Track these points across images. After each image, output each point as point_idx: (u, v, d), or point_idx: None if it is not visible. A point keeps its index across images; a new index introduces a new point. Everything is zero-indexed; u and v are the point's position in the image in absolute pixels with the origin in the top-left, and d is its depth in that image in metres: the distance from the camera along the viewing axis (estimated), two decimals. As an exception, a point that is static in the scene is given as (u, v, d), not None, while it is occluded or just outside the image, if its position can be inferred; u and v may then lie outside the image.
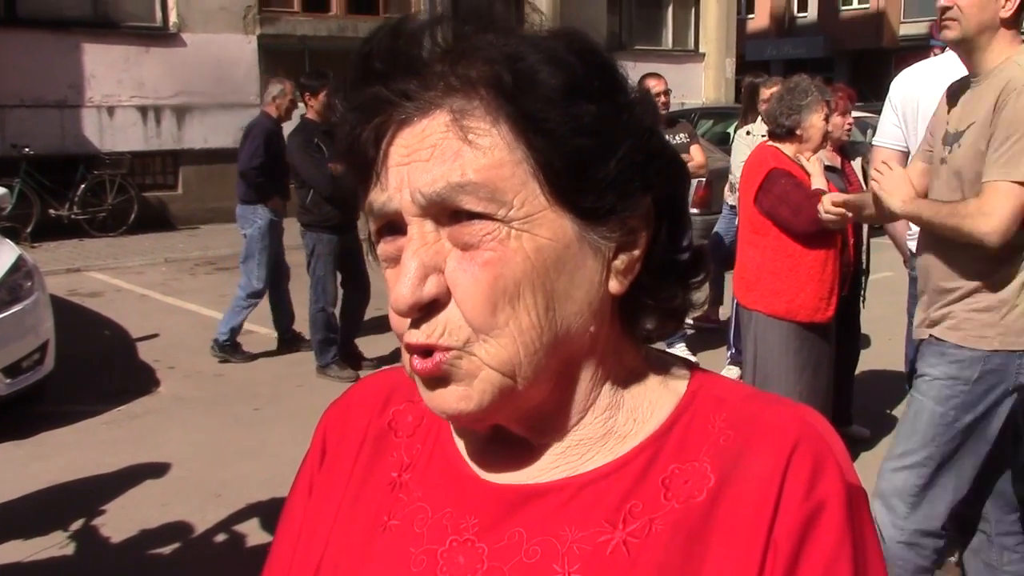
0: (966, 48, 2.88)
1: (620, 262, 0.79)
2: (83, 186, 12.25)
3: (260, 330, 8.01)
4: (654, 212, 0.80)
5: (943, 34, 2.90)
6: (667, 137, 7.37)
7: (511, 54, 0.74)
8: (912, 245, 3.78)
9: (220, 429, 5.72)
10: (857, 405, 5.52)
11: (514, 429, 0.82)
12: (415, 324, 0.75)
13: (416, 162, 0.73)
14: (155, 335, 7.79)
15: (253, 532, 4.31)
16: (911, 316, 3.84)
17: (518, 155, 0.73)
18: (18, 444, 5.40)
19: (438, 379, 0.76)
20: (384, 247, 0.78)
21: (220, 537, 4.32)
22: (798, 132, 4.24)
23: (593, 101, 0.75)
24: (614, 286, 0.79)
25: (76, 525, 4.39)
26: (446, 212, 0.73)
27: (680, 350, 6.92)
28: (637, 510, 0.78)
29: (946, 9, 2.85)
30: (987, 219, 2.73)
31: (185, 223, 13.46)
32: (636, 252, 0.79)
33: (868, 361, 6.22)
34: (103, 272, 10.50)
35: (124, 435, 5.60)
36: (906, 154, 3.75)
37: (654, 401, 0.84)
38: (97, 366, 6.91)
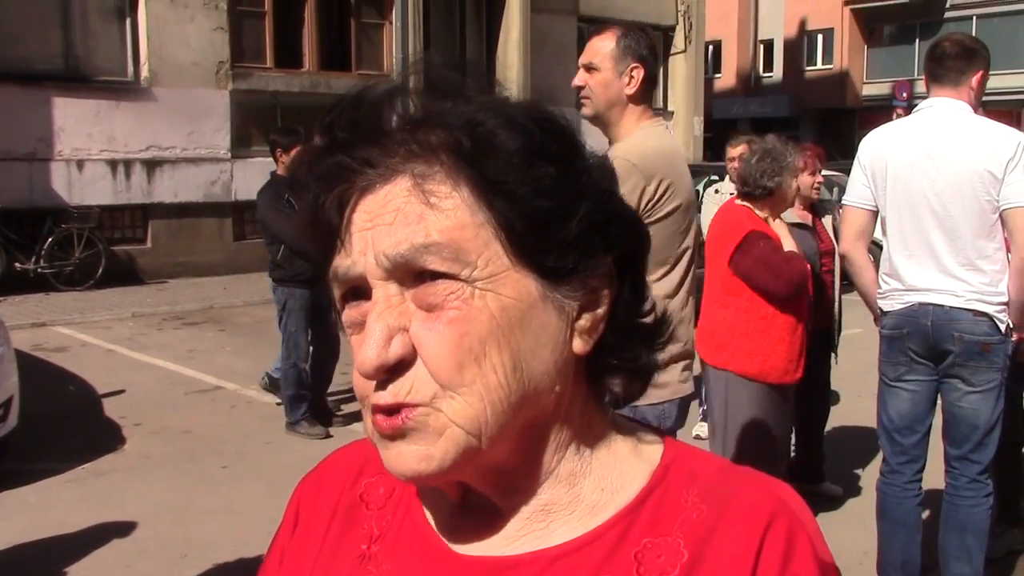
0: (601, 123, 3.10)
1: (584, 321, 0.79)
2: (50, 239, 12.15)
3: (228, 385, 7.94)
4: (616, 273, 0.81)
5: (582, 111, 3.10)
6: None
7: (470, 120, 0.75)
8: (883, 304, 3.81)
9: (187, 487, 5.62)
10: (827, 462, 5.52)
11: (477, 487, 0.81)
12: (381, 385, 0.75)
13: (380, 226, 0.74)
14: (121, 391, 7.68)
15: (220, 594, 4.23)
16: (882, 375, 3.86)
17: (480, 217, 0.74)
18: (-22, 503, 5.28)
19: (399, 438, 0.75)
20: (349, 312, 0.78)
21: (186, 599, 4.23)
22: (776, 194, 4.26)
23: (552, 164, 0.76)
24: (578, 346, 0.79)
25: (37, 587, 4.29)
26: (410, 274, 0.74)
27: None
28: None
29: (580, 88, 3.09)
30: None
31: (153, 277, 13.37)
32: (599, 311, 0.80)
33: (838, 418, 6.24)
34: (69, 327, 10.38)
35: (88, 494, 5.49)
36: (875, 213, 3.79)
37: (625, 471, 0.83)
38: (61, 423, 6.79)
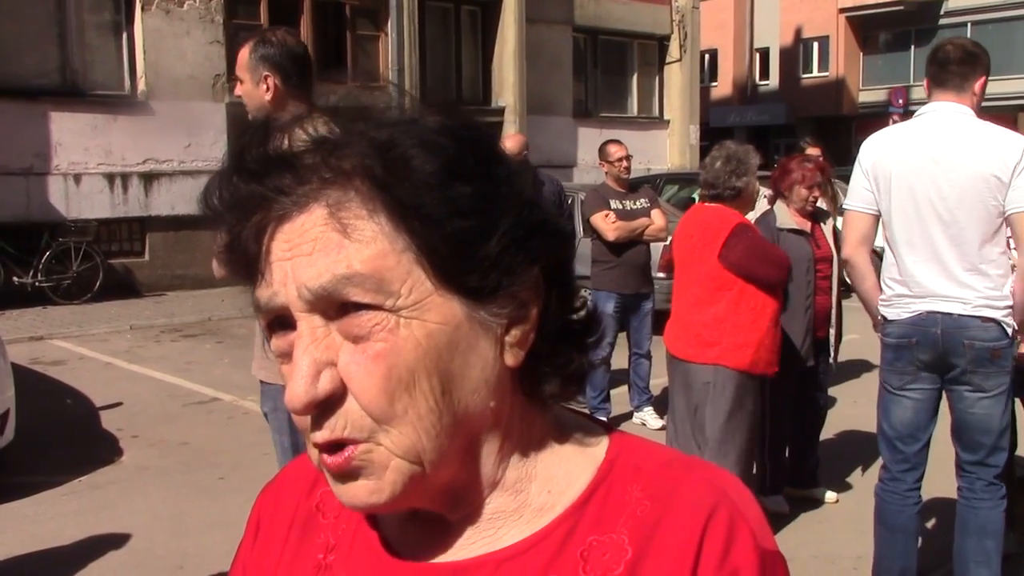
0: None
1: (512, 336, 0.78)
2: (48, 253, 12.16)
3: (225, 397, 7.94)
4: (543, 281, 0.80)
5: None
6: (629, 202, 7.42)
7: (383, 143, 0.74)
8: (887, 311, 3.74)
9: (183, 499, 5.62)
10: (823, 468, 5.52)
11: (428, 507, 0.81)
12: (317, 421, 0.75)
13: (299, 256, 0.73)
14: (119, 403, 7.68)
15: (216, 605, 4.22)
16: (885, 383, 3.81)
17: (400, 243, 0.73)
18: (-25, 517, 5.28)
19: (348, 473, 0.76)
20: (276, 342, 0.77)
21: (182, 610, 4.22)
22: (744, 194, 4.46)
23: (469, 181, 0.74)
24: (509, 359, 0.79)
25: (33, 600, 4.28)
26: (333, 306, 0.73)
27: (648, 413, 6.92)
28: None
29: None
30: None
31: (151, 290, 13.38)
32: (528, 325, 0.79)
33: (834, 423, 6.25)
34: (67, 340, 10.38)
35: (85, 506, 5.49)
36: (878, 217, 3.76)
37: (570, 470, 0.83)
38: (59, 435, 6.79)
